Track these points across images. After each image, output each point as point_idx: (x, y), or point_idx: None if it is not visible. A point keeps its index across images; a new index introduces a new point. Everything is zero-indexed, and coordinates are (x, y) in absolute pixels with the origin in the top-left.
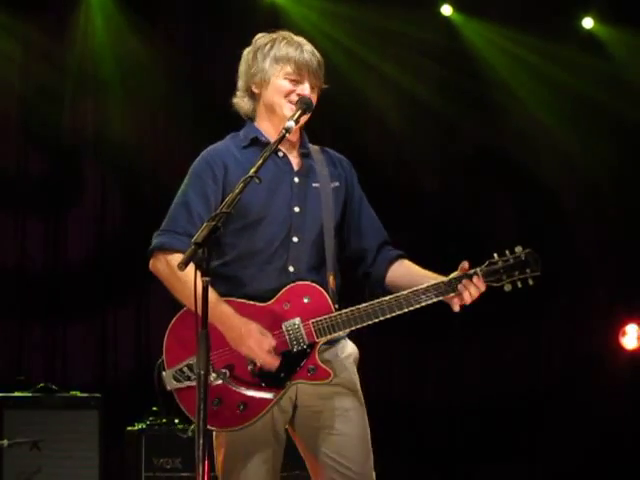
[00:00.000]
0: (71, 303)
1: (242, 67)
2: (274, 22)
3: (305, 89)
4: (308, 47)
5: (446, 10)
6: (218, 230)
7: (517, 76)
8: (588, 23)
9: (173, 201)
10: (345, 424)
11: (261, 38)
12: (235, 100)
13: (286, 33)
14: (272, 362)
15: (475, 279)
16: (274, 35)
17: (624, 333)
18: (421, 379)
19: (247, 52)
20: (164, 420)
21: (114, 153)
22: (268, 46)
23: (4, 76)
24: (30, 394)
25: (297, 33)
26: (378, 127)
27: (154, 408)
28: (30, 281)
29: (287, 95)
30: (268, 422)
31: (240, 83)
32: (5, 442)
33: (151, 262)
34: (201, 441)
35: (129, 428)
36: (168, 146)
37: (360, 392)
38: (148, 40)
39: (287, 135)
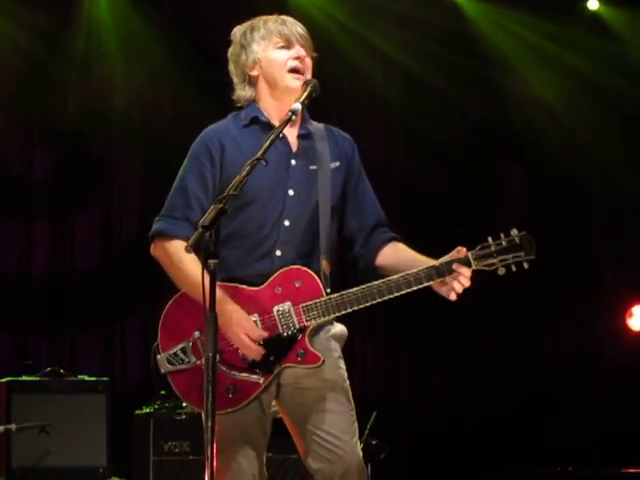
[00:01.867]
0: (78, 311)
1: (231, 64)
2: (278, 4)
3: (299, 51)
4: (289, 19)
5: None
6: (225, 212)
7: (522, 57)
8: (593, 4)
9: (173, 185)
10: (329, 400)
11: (238, 29)
12: (236, 94)
13: (263, 16)
14: (254, 354)
15: (461, 269)
16: (250, 21)
17: (631, 315)
18: (427, 386)
19: (231, 49)
20: (172, 404)
21: (122, 139)
22: (248, 31)
23: (6, 60)
24: (38, 378)
25: (301, 14)
26: (382, 108)
27: (162, 392)
28: (35, 288)
29: (284, 63)
30: (256, 405)
31: (235, 79)
32: (13, 426)
33: (151, 248)
34: (209, 424)
35: (137, 412)
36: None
37: (344, 369)
38: (152, 22)
39: (293, 117)
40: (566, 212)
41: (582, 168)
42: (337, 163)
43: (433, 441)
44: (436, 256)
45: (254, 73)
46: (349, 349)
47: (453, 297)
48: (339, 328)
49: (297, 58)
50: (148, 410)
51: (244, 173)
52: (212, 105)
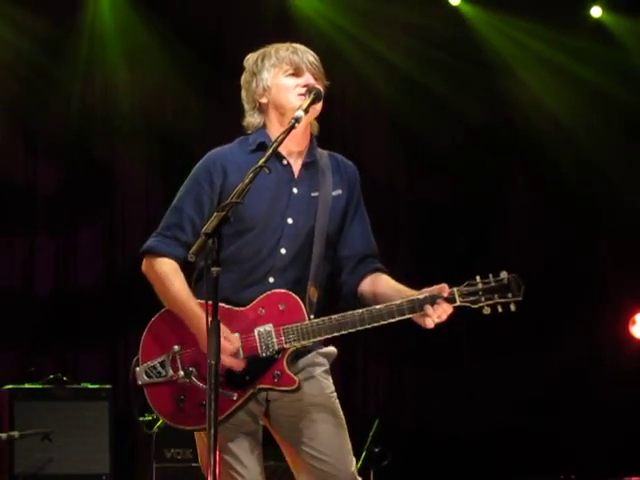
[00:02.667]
0: (81, 326)
1: (243, 91)
2: (282, 13)
3: (308, 79)
4: (301, 47)
5: (454, 0)
6: (228, 220)
7: (525, 65)
8: (596, 11)
9: (172, 202)
10: (319, 413)
11: (251, 57)
12: (245, 120)
13: (276, 44)
14: (233, 365)
15: (442, 302)
16: (263, 49)
17: (634, 322)
18: (429, 402)
19: (243, 76)
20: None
21: (126, 150)
22: (260, 59)
23: (9, 68)
24: (41, 385)
25: (305, 22)
26: (386, 115)
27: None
28: (38, 303)
29: (293, 90)
30: (248, 418)
31: (246, 105)
32: (16, 434)
33: (142, 264)
34: (212, 431)
35: (140, 419)
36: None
37: (329, 379)
38: (155, 29)
39: (296, 125)
40: (569, 220)
41: (585, 176)
42: (339, 191)
43: (436, 449)
44: (435, 269)
45: (264, 100)
46: (351, 365)
47: (430, 325)
48: (328, 348)
49: (305, 86)
50: (150, 417)
51: (247, 181)
52: (215, 112)
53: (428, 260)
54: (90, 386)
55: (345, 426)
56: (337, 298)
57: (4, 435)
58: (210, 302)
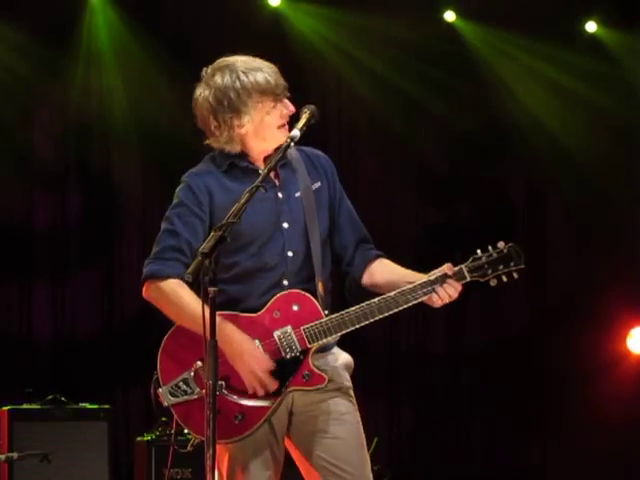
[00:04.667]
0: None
1: (208, 112)
2: (277, 31)
3: (288, 106)
4: (264, 64)
5: (449, 16)
6: (225, 240)
7: (520, 80)
8: (591, 27)
9: (161, 228)
10: (340, 427)
11: (218, 78)
12: (217, 146)
13: (233, 61)
14: (269, 386)
15: (452, 281)
16: (227, 70)
17: (631, 336)
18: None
19: (207, 95)
20: (173, 431)
21: (125, 185)
22: (236, 85)
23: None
24: (39, 406)
25: (300, 40)
26: (381, 131)
27: (163, 419)
28: (36, 352)
29: (279, 125)
30: (267, 430)
31: (213, 128)
32: (15, 454)
33: (144, 291)
34: (211, 451)
35: (138, 439)
36: None
37: (354, 397)
38: (151, 49)
39: (292, 145)
40: (563, 233)
41: (582, 190)
42: (318, 183)
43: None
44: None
45: (244, 131)
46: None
47: (438, 304)
48: (345, 357)
49: (288, 115)
50: (149, 437)
51: (243, 201)
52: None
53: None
54: (89, 406)
55: (365, 442)
56: (342, 290)
57: (3, 456)
58: (225, 312)
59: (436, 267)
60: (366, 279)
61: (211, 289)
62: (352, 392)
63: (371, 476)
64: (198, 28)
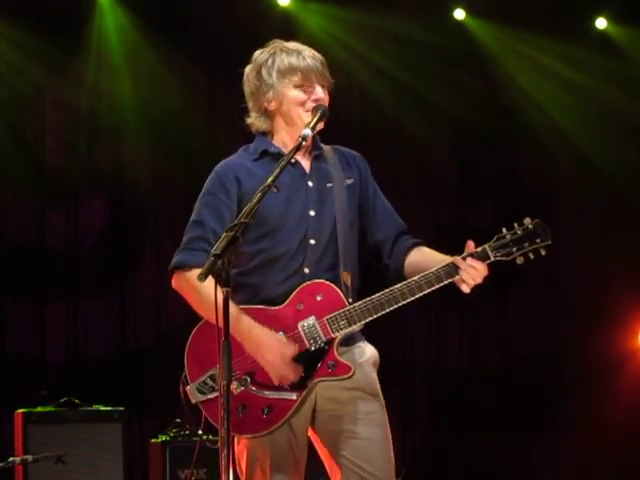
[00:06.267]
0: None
1: (248, 88)
2: (287, 30)
3: (318, 92)
4: (307, 51)
5: (459, 14)
6: (237, 240)
7: (531, 78)
8: (601, 23)
9: (190, 219)
10: (366, 428)
11: (259, 55)
12: (250, 121)
13: (281, 43)
14: (292, 375)
15: (476, 263)
16: (270, 49)
17: None
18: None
19: (249, 71)
20: (187, 432)
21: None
22: (270, 61)
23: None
24: (53, 408)
25: (309, 40)
26: (393, 133)
27: (177, 420)
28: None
29: (303, 104)
30: (286, 430)
31: (251, 104)
32: (30, 457)
33: (172, 281)
34: (225, 451)
35: (153, 440)
36: None
37: (381, 396)
38: (164, 56)
39: (304, 143)
40: (575, 229)
41: (594, 187)
42: (351, 180)
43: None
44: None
45: (271, 107)
46: None
47: (466, 289)
48: (372, 352)
49: (316, 101)
50: (164, 438)
51: (255, 200)
52: (225, 138)
53: None
54: (103, 408)
55: (390, 443)
56: (384, 283)
57: (18, 459)
58: (250, 305)
59: None
60: (407, 269)
61: (224, 289)
62: (379, 390)
63: (393, 468)
64: (207, 28)
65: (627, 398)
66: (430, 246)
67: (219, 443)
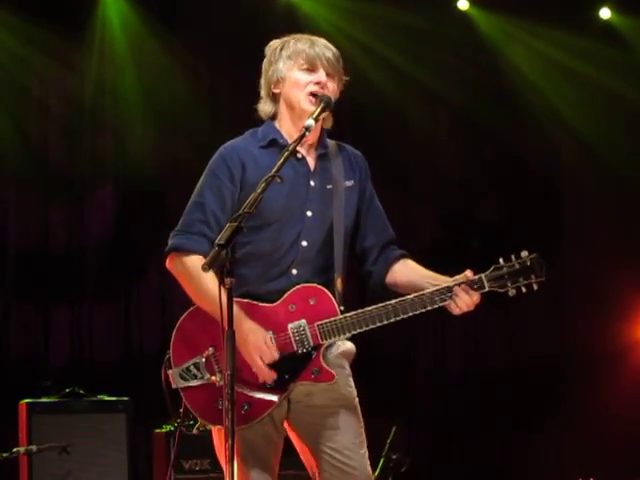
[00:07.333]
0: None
1: (262, 77)
2: (291, 23)
3: (321, 77)
4: (321, 41)
5: (463, 4)
6: (241, 231)
7: (535, 68)
8: (605, 13)
9: (190, 199)
10: (340, 418)
11: (273, 44)
12: (258, 106)
13: (298, 35)
14: (266, 377)
15: (469, 291)
16: (286, 38)
17: None
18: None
19: (264, 62)
20: (191, 421)
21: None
22: (279, 47)
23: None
24: (57, 399)
25: (314, 31)
26: (397, 124)
27: (180, 410)
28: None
29: (304, 87)
30: (267, 419)
31: (262, 91)
32: (34, 447)
33: (167, 262)
34: (230, 442)
35: (157, 430)
36: None
37: (353, 387)
38: (168, 47)
39: (307, 134)
40: (578, 221)
41: (598, 176)
42: (351, 182)
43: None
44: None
45: (277, 90)
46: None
47: (456, 313)
48: (348, 345)
49: (318, 83)
50: (168, 428)
51: (259, 190)
52: (229, 128)
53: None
54: (107, 398)
55: (362, 430)
56: (365, 289)
57: (22, 449)
58: (241, 299)
59: (453, 264)
60: (389, 278)
61: (228, 279)
62: (351, 380)
63: (368, 463)
64: (211, 20)
65: (628, 392)
66: (429, 239)
67: (195, 430)
